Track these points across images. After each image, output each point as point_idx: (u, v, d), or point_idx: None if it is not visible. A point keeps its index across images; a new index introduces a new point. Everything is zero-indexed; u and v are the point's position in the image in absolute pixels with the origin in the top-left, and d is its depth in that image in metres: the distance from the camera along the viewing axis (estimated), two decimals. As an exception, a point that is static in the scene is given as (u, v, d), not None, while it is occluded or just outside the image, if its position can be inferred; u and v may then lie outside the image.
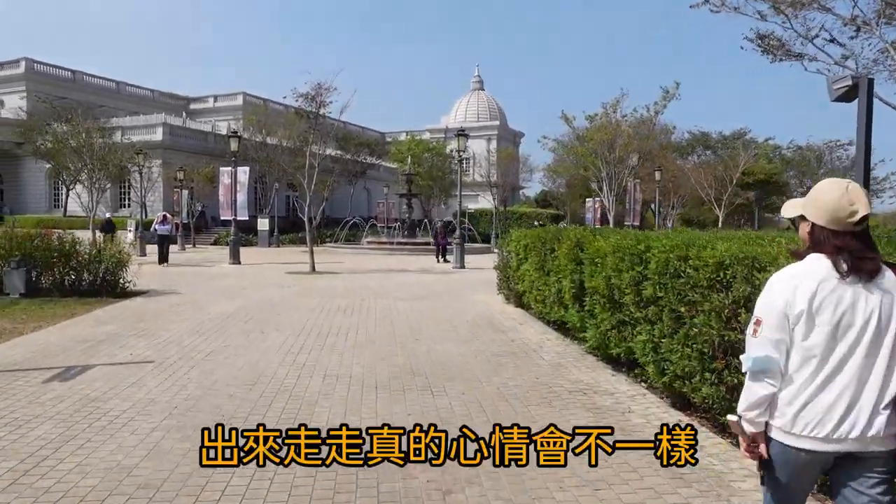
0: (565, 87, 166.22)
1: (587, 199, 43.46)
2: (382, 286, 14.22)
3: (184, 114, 56.31)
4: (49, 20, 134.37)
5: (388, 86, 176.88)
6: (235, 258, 21.87)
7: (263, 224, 40.98)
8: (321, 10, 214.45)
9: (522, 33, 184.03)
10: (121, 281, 11.82)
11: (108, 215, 24.75)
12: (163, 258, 20.06)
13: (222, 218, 28.88)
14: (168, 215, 22.14)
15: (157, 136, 49.18)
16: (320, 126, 18.43)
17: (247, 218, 24.56)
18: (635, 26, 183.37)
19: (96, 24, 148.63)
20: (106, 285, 11.49)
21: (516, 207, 61.89)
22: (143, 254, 22.86)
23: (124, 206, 48.98)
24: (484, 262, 24.56)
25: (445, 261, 24.15)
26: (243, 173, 24.38)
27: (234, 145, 21.80)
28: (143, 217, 28.52)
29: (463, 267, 21.20)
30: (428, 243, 32.52)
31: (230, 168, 23.13)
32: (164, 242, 20.43)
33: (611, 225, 20.60)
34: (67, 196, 45.94)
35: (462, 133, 21.45)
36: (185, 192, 36.44)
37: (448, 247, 24.33)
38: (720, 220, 30.60)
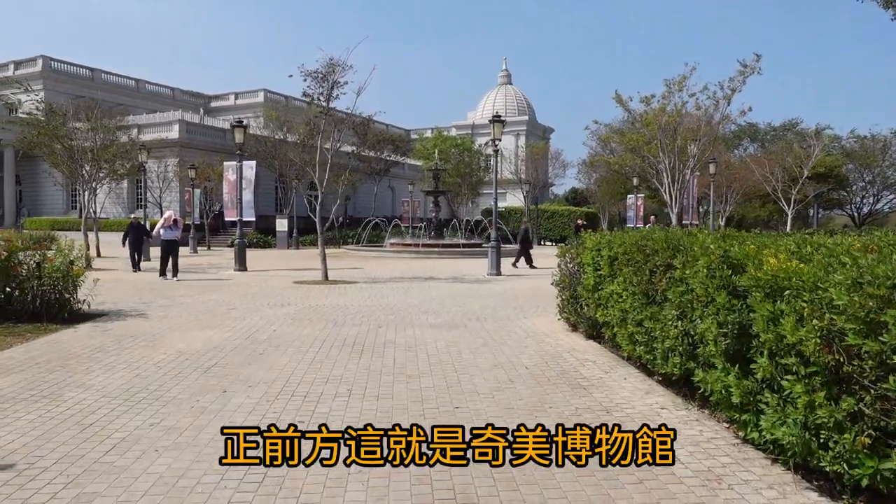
0: (599, 79, 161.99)
1: (628, 196, 40.27)
2: (406, 304, 11.44)
3: (201, 110, 54.31)
4: (83, 25, 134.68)
5: (412, 83, 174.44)
6: (241, 264, 19.33)
7: (282, 224, 38.67)
8: (345, 8, 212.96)
9: (552, 23, 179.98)
10: (72, 300, 9.25)
11: (134, 215, 20.13)
12: (164, 269, 15.84)
13: (227, 219, 26.34)
14: (177, 217, 16.70)
15: (174, 133, 47.28)
16: (333, 112, 15.68)
17: (253, 218, 22.00)
18: (664, 15, 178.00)
19: (120, 25, 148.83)
20: (50, 307, 8.91)
21: (547, 205, 58.77)
22: (137, 267, 18.21)
23: (141, 207, 47.21)
24: (521, 268, 21.77)
25: (532, 266, 21.65)
26: (249, 168, 21.79)
27: (238, 136, 19.24)
28: (146, 217, 25.99)
29: (499, 274, 18.33)
30: (457, 245, 29.71)
31: (234, 162, 20.51)
32: (169, 251, 15.81)
33: (673, 224, 17.53)
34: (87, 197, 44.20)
35: (497, 119, 18.59)
36: (198, 191, 34.13)
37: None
38: (789, 218, 27.23)
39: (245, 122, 42.65)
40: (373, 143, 49.35)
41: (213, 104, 68.14)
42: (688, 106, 16.64)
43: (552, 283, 8.74)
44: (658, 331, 5.19)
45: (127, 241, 18.47)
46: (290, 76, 16.59)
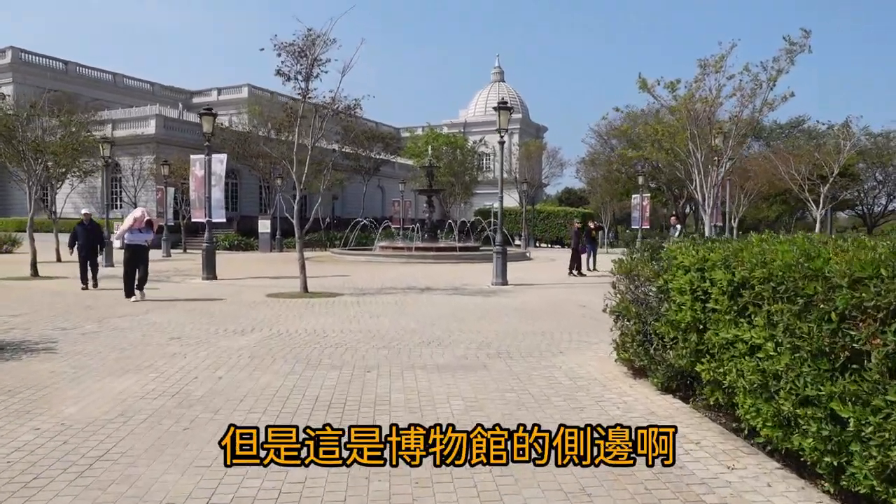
0: (592, 78, 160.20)
1: (633, 196, 38.12)
2: (401, 328, 9.08)
3: (180, 105, 51.54)
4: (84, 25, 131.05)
5: (402, 81, 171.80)
6: (210, 272, 16.89)
7: (265, 226, 36.24)
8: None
9: (545, 21, 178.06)
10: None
11: (85, 212, 14.76)
12: (132, 287, 11.90)
13: (193, 220, 23.82)
14: (151, 217, 12.75)
15: (150, 129, 44.69)
16: (313, 96, 13.29)
17: (223, 219, 19.49)
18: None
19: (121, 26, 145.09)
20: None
21: (542, 206, 56.58)
22: (89, 282, 13.82)
23: (116, 207, 44.50)
24: (526, 274, 19.48)
25: (590, 269, 20.22)
26: (219, 162, 19.28)
27: (206, 126, 16.78)
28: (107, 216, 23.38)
29: (505, 283, 15.99)
30: (453, 249, 27.37)
31: (202, 155, 18.00)
32: (136, 260, 12.01)
33: (707, 229, 15.30)
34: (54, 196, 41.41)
35: (504, 106, 16.28)
36: (172, 189, 31.50)
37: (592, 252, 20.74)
38: (817, 221, 25.08)
39: (228, 118, 40.07)
40: (361, 140, 46.95)
41: (195, 100, 65.29)
42: (724, 90, 14.37)
43: (604, 310, 6.40)
44: (858, 421, 2.89)
45: (75, 248, 13.95)
46: (262, 49, 13.50)
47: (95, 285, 13.97)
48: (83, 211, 14.94)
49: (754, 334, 3.78)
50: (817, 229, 25.81)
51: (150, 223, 12.57)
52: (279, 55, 12.62)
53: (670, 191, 48.47)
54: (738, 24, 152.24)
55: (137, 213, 12.74)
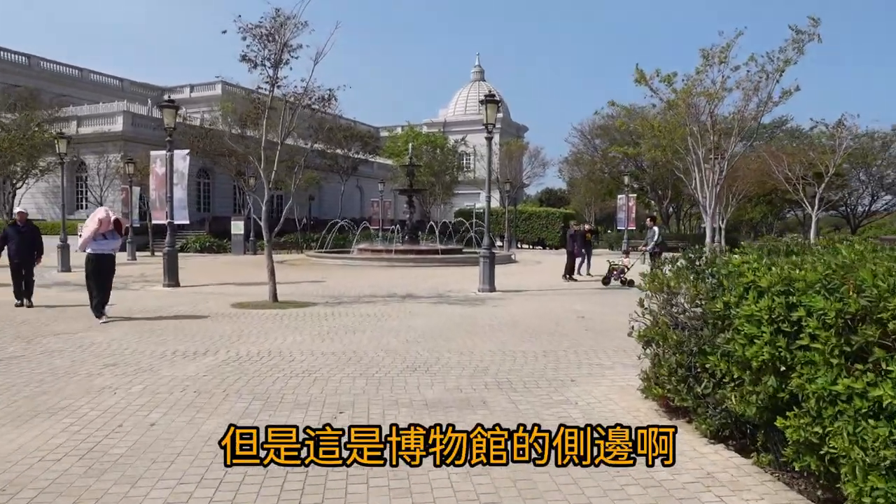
0: (575, 79, 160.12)
1: (619, 196, 37.29)
2: (381, 348, 7.87)
3: (149, 101, 49.58)
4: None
5: (380, 79, 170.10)
6: (172, 278, 15.51)
7: (238, 227, 34.67)
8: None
9: (526, 22, 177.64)
10: None
11: (19, 210, 12.23)
12: (100, 305, 9.78)
13: (154, 221, 22.32)
14: (119, 217, 10.38)
15: (117, 125, 42.80)
16: (282, 84, 12.01)
17: (186, 221, 18.04)
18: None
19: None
20: None
21: (524, 206, 55.61)
22: (24, 298, 11.37)
23: (82, 207, 42.56)
24: (514, 279, 18.19)
25: (586, 274, 18.87)
26: (182, 159, 17.84)
27: (167, 119, 15.40)
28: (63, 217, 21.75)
29: (493, 290, 14.83)
30: (435, 251, 26.17)
31: (163, 152, 16.57)
32: (102, 272, 9.87)
33: (708, 231, 14.32)
34: (13, 197, 39.44)
35: (491, 99, 15.13)
36: (137, 188, 29.79)
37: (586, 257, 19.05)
38: (813, 222, 24.35)
39: (200, 115, 38.32)
40: (339, 139, 45.53)
41: (167, 97, 63.20)
42: (729, 82, 13.40)
43: (630, 334, 5.26)
44: None
45: (5, 252, 11.45)
46: (224, 32, 12.08)
47: (31, 304, 11.32)
48: (16, 210, 12.33)
49: (889, 391, 2.65)
50: (813, 230, 25.11)
51: (117, 224, 10.11)
52: (244, 38, 11.33)
53: (654, 191, 47.80)
54: (738, 23, 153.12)
55: (101, 213, 9.95)
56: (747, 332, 3.63)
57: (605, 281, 16.62)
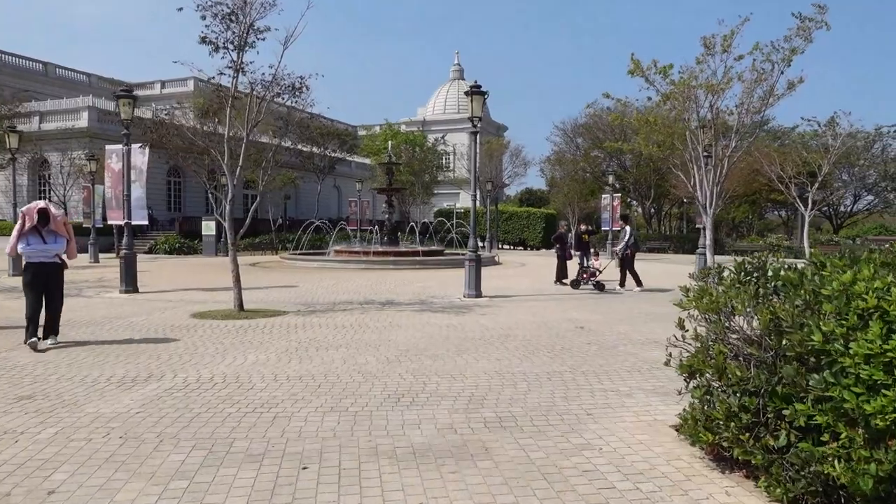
0: (555, 78, 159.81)
1: (603, 195, 36.55)
2: (357, 371, 6.75)
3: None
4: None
5: (358, 77, 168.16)
6: (129, 283, 14.23)
7: (209, 228, 33.19)
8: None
9: (506, 20, 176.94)
10: None
11: None
12: (36, 326, 7.74)
13: (110, 221, 20.87)
14: (60, 213, 8.26)
15: (82, 121, 41.05)
16: (248, 69, 10.82)
17: (145, 222, 16.71)
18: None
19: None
20: None
21: (505, 206, 54.67)
22: None
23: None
24: (501, 283, 16.74)
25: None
26: (140, 154, 16.51)
27: (124, 111, 14.10)
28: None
29: (479, 296, 13.76)
30: (416, 253, 25.05)
31: (119, 146, 15.23)
32: (38, 283, 7.82)
33: (708, 232, 13.48)
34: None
35: (477, 90, 14.09)
36: (100, 187, 28.19)
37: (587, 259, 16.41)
38: (806, 223, 23.65)
39: (170, 110, 36.82)
40: (315, 137, 44.19)
41: (138, 93, 60.86)
42: (732, 72, 12.50)
43: (667, 363, 4.22)
44: None
45: None
46: (180, 9, 10.75)
47: None
48: (29, 207, 10.56)
49: None
50: (805, 231, 24.51)
51: (50, 218, 7.91)
52: (203, 18, 10.10)
53: (637, 191, 47.18)
54: (724, 14, 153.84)
55: (32, 206, 8.03)
56: (865, 378, 2.60)
57: (575, 284, 15.59)
